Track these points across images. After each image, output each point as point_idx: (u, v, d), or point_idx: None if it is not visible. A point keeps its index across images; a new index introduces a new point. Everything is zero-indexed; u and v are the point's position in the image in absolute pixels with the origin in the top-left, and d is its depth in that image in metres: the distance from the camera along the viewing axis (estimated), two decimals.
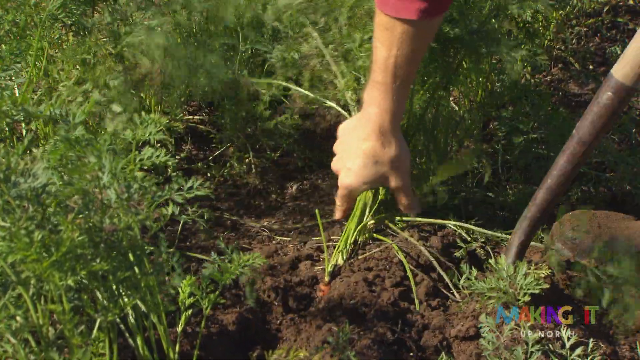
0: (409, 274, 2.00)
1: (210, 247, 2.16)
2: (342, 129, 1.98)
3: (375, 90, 1.86)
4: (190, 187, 1.57)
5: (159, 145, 2.34)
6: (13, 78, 2.17)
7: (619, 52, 3.14)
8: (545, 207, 1.93)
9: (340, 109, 2.21)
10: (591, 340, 1.76)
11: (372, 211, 2.06)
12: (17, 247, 1.30)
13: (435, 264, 2.07)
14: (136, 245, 1.48)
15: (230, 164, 2.60)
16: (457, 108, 2.67)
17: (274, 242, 2.28)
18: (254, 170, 2.58)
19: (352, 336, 1.78)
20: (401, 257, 2.05)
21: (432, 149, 2.36)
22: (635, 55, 1.73)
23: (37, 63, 2.33)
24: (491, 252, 2.16)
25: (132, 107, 2.19)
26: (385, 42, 1.80)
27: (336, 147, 1.99)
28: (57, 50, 2.54)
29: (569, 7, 3.27)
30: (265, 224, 2.39)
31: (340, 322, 1.83)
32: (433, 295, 2.00)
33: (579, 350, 1.71)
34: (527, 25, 2.51)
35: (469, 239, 2.18)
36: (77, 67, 2.37)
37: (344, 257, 2.04)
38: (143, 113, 1.66)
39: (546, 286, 1.81)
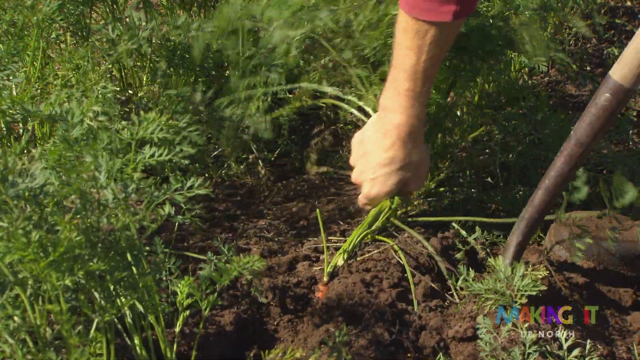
0: (408, 274, 2.00)
1: (208, 247, 2.16)
2: (358, 141, 1.98)
3: (402, 97, 1.84)
4: (190, 187, 1.57)
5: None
6: (11, 78, 2.17)
7: (616, 54, 3.15)
8: (542, 208, 1.93)
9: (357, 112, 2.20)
10: (588, 341, 1.76)
11: (385, 217, 2.06)
12: (14, 247, 1.30)
13: (433, 265, 2.07)
14: (133, 245, 1.48)
15: (228, 164, 2.60)
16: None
17: (271, 242, 2.28)
18: (251, 171, 2.58)
19: (350, 337, 1.78)
20: (402, 257, 2.04)
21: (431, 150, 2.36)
22: (634, 57, 1.73)
23: (35, 63, 2.33)
24: (490, 253, 2.16)
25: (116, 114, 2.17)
26: (414, 47, 1.77)
27: (354, 160, 1.99)
28: (53, 51, 2.54)
29: (567, 8, 3.27)
30: (262, 224, 2.38)
31: (338, 323, 1.83)
32: (431, 296, 2.00)
33: (576, 352, 1.71)
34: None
35: (468, 239, 2.18)
36: (72, 71, 2.36)
37: (344, 259, 2.04)
38: (142, 113, 1.66)
39: (543, 288, 1.81)
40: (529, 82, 2.95)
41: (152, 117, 1.66)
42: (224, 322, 1.84)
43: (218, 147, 2.64)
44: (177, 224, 2.03)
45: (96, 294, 1.45)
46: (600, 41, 3.42)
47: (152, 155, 1.60)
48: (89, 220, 1.41)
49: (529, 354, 1.70)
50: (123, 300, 1.47)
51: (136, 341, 1.55)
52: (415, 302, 1.95)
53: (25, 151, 1.54)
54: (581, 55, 3.27)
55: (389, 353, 1.79)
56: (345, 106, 2.23)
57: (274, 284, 1.97)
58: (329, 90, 2.23)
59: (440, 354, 1.79)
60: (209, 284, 1.60)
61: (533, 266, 1.91)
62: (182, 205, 1.58)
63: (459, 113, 2.49)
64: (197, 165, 2.58)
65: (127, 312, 1.54)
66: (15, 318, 1.39)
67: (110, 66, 2.45)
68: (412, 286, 1.98)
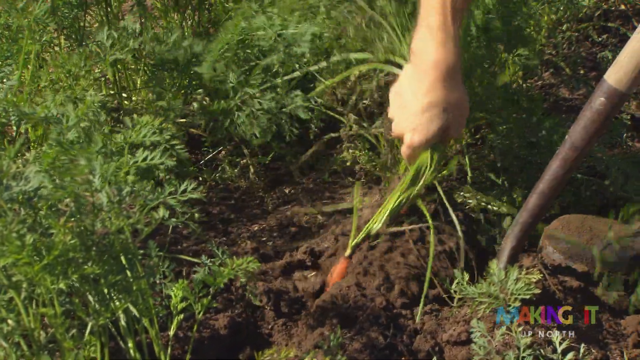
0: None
1: (202, 250, 2.16)
2: (395, 92, 1.94)
3: (435, 32, 1.80)
4: (184, 191, 1.57)
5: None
6: (4, 80, 2.17)
7: (610, 57, 3.16)
8: (537, 212, 1.94)
9: (391, 68, 2.08)
10: (582, 345, 1.77)
11: (429, 173, 1.98)
12: (8, 250, 1.30)
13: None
14: (128, 249, 1.48)
15: (222, 168, 2.59)
16: None
17: (266, 246, 2.27)
18: (246, 174, 2.58)
19: (344, 340, 1.77)
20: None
21: None
22: (629, 61, 1.73)
23: (28, 66, 2.32)
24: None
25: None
26: None
27: (392, 112, 1.95)
28: (48, 54, 2.53)
29: (559, 11, 3.28)
30: (256, 228, 2.38)
31: (332, 326, 1.83)
32: (426, 299, 2.00)
33: (570, 355, 1.71)
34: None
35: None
36: (64, 75, 2.35)
37: (384, 221, 1.99)
38: (135, 116, 1.66)
39: (537, 291, 1.81)
40: (523, 85, 2.95)
41: (145, 121, 1.66)
42: (218, 326, 1.84)
43: (212, 150, 2.63)
44: (171, 227, 2.03)
45: (90, 298, 1.45)
46: (594, 45, 3.43)
47: (145, 159, 1.61)
48: (83, 223, 1.41)
49: (523, 357, 1.70)
50: (117, 303, 1.47)
51: (130, 345, 1.55)
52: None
53: (19, 154, 1.54)
54: (575, 59, 3.28)
55: (384, 357, 1.79)
56: (382, 65, 2.12)
57: (269, 288, 1.97)
58: (363, 56, 2.15)
59: (435, 357, 1.79)
60: (202, 287, 1.60)
61: (527, 270, 1.91)
62: (177, 209, 1.58)
63: None
64: (191, 168, 2.57)
65: (121, 315, 1.54)
66: (10, 321, 1.39)
67: (103, 70, 2.44)
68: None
